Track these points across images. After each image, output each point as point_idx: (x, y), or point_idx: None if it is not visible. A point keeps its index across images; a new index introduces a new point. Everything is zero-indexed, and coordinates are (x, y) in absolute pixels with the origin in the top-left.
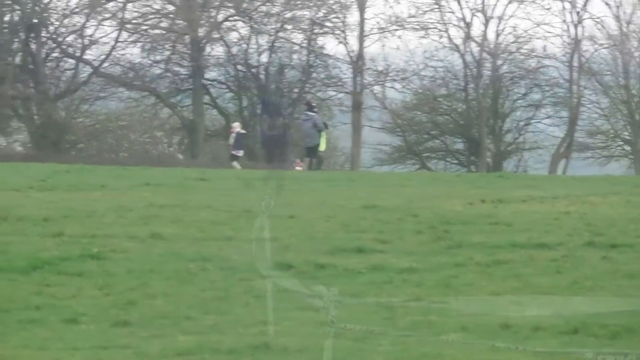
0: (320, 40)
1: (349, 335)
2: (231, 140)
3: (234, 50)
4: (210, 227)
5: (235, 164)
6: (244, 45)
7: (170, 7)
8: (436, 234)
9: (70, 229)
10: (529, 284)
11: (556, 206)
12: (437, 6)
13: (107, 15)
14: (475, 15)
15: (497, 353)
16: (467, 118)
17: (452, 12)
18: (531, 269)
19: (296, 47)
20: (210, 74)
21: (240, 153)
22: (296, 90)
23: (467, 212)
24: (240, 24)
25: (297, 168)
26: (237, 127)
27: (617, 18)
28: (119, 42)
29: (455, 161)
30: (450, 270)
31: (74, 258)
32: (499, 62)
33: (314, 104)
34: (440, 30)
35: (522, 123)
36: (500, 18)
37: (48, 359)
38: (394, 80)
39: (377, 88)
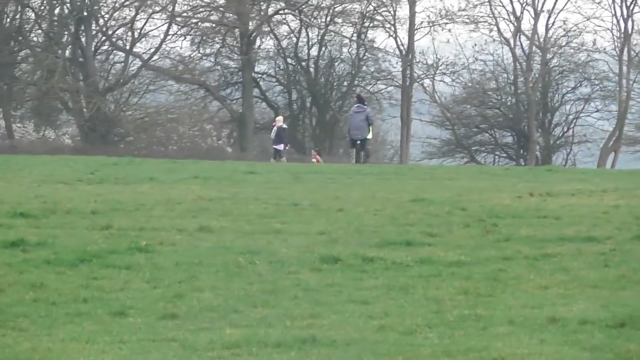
0: (371, 34)
1: (397, 329)
2: (272, 134)
3: (284, 43)
4: (259, 220)
5: (275, 160)
6: (294, 39)
7: (221, 0)
8: (485, 227)
9: (118, 222)
10: (577, 277)
11: (605, 200)
12: (487, 0)
13: (157, 9)
14: (525, 9)
15: (545, 346)
16: (517, 112)
17: (503, 6)
18: (579, 263)
19: (346, 41)
20: (260, 67)
21: (281, 147)
22: (346, 83)
23: (515, 205)
24: (290, 17)
25: (313, 160)
26: (279, 120)
27: None
28: (169, 35)
29: (504, 155)
30: (499, 264)
31: (121, 251)
32: (549, 55)
33: (364, 98)
34: (491, 24)
35: (571, 117)
36: (550, 12)
37: (95, 352)
38: (444, 73)
39: (426, 81)
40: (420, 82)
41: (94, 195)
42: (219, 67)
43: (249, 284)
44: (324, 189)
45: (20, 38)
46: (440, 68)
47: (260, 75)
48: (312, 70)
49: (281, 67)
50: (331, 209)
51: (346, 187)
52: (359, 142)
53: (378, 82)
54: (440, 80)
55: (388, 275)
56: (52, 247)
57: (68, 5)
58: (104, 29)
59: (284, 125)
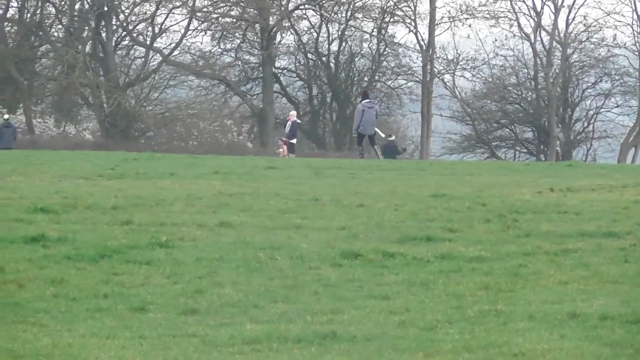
0: (391, 29)
1: (418, 324)
2: (287, 129)
3: (304, 38)
4: (279, 215)
5: (292, 154)
6: (314, 34)
7: None
8: (505, 222)
9: (138, 217)
10: (597, 273)
11: (625, 195)
12: None
13: (178, 4)
14: (545, 4)
15: (565, 341)
16: (537, 107)
17: (523, 1)
18: (599, 258)
19: (366, 36)
20: (281, 62)
21: (294, 141)
22: (366, 78)
23: (536, 201)
24: (310, 12)
25: (279, 151)
26: (293, 115)
27: None
28: (189, 30)
29: (525, 150)
30: (519, 259)
31: (142, 246)
32: (569, 51)
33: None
34: (511, 19)
35: (591, 112)
36: (570, 7)
37: (115, 347)
38: (464, 69)
39: (447, 77)
40: (441, 78)
41: (114, 191)
42: (239, 63)
43: (269, 280)
44: (345, 184)
45: (40, 33)
46: (460, 63)
47: (280, 71)
48: (332, 65)
49: (301, 63)
50: (352, 204)
51: (367, 182)
52: (368, 136)
53: (398, 78)
54: (460, 76)
55: (408, 271)
56: (73, 243)
57: (88, 0)
58: (125, 24)
59: (298, 120)
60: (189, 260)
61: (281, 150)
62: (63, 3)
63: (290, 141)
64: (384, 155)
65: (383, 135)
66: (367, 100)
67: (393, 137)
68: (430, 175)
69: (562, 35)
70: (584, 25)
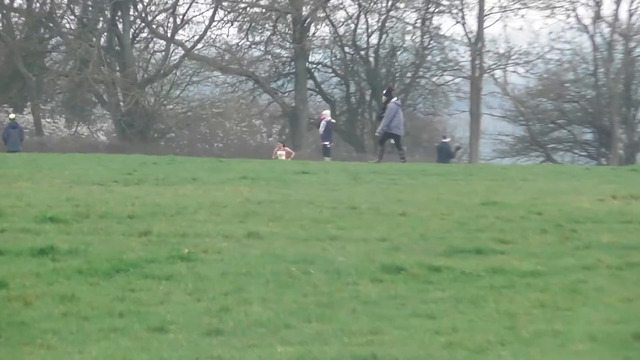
0: (436, 20)
1: (466, 346)
2: (321, 130)
3: (341, 30)
4: (313, 225)
5: (327, 158)
6: (352, 25)
7: None
8: (563, 233)
9: (158, 228)
10: None
11: None
12: None
13: None
14: None
15: None
16: (597, 106)
17: None
18: None
19: (409, 28)
20: (315, 56)
21: (329, 144)
22: (409, 74)
23: (596, 209)
24: (348, 1)
25: (280, 153)
26: (327, 114)
27: None
28: (214, 21)
29: (584, 153)
30: (578, 274)
31: (161, 260)
32: (632, 44)
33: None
34: (568, 10)
35: None
36: None
37: None
38: (517, 63)
39: (498, 72)
40: (491, 73)
41: (131, 198)
42: (269, 57)
43: (302, 296)
44: (385, 190)
45: (51, 24)
46: (512, 58)
47: (314, 66)
48: (371, 60)
49: (338, 57)
50: (393, 213)
51: (409, 188)
52: (395, 136)
53: (444, 73)
54: (512, 71)
55: (456, 287)
56: (85, 255)
57: None
58: (143, 15)
59: (333, 120)
60: (214, 275)
61: (281, 153)
62: None
63: (324, 143)
64: (437, 158)
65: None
66: (397, 99)
67: (448, 139)
68: (479, 180)
69: (624, 26)
70: None
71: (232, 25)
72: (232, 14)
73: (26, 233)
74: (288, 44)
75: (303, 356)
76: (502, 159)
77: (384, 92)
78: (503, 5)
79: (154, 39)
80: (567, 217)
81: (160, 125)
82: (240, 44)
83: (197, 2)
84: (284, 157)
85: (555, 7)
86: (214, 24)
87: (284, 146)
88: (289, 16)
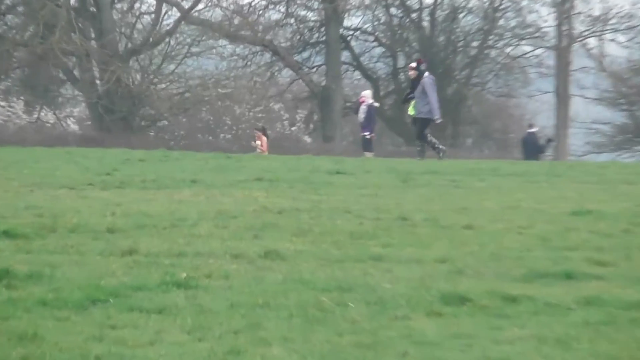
0: None
1: None
2: (361, 116)
3: None
4: (351, 241)
5: (368, 152)
6: None
7: None
8: None
9: (146, 245)
10: None
11: None
12: None
13: None
14: None
15: None
16: None
17: None
18: None
19: None
20: (352, 20)
21: (369, 134)
22: (475, 44)
23: None
24: None
25: (256, 144)
26: (367, 96)
27: None
28: None
29: None
30: None
31: (151, 287)
32: None
33: None
34: None
35: None
36: None
37: None
38: (616, 30)
39: (591, 41)
40: (583, 43)
41: (111, 206)
42: (292, 21)
43: (336, 335)
44: (445, 196)
45: None
46: (611, 22)
47: (351, 33)
48: (426, 24)
49: (382, 21)
50: (455, 226)
51: (477, 193)
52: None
53: (522, 43)
54: (611, 40)
55: (539, 322)
56: (50, 282)
57: None
58: None
59: (376, 104)
60: (220, 308)
61: (259, 143)
62: None
63: (364, 134)
64: (523, 153)
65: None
66: (428, 73)
67: (535, 129)
68: (568, 183)
69: None
70: None
71: None
72: None
73: None
74: (317, 3)
75: None
76: (597, 154)
77: (414, 65)
78: None
79: None
80: None
81: (149, 110)
82: (253, 3)
83: None
84: (260, 149)
85: None
86: None
87: (263, 134)
88: None
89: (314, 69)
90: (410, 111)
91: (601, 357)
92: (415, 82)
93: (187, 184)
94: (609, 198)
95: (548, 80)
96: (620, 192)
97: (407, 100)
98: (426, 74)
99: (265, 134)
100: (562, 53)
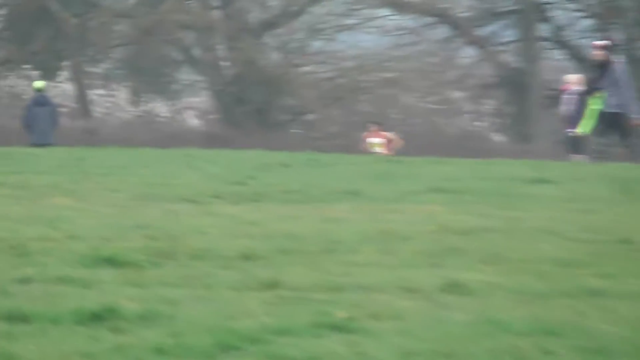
0: None
1: None
2: (564, 108)
3: None
4: (557, 270)
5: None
6: None
7: None
8: None
9: (291, 275)
10: None
11: None
12: None
13: None
14: None
15: None
16: None
17: None
18: None
19: None
20: None
21: (574, 130)
22: None
23: None
24: None
25: (372, 141)
26: (574, 82)
27: None
28: None
29: None
30: None
31: (299, 330)
32: None
33: None
34: None
35: None
36: None
37: None
38: None
39: None
40: None
41: (245, 225)
42: None
43: None
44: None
45: None
46: None
47: (551, 0)
48: None
49: None
50: None
51: None
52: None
53: None
54: None
55: None
56: (169, 324)
57: None
58: None
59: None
60: (390, 357)
61: (376, 141)
62: None
63: (570, 131)
64: None
65: None
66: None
67: None
68: None
69: None
70: None
71: None
72: None
73: (66, 284)
74: None
75: None
76: None
77: (603, 43)
78: None
79: None
80: None
81: (290, 100)
82: None
83: None
84: (379, 149)
85: None
86: None
87: (379, 130)
88: None
89: (504, 47)
90: (596, 104)
91: None
92: (603, 68)
93: (342, 196)
94: None
95: None
96: None
97: (589, 92)
98: (617, 58)
99: (381, 130)
100: None
